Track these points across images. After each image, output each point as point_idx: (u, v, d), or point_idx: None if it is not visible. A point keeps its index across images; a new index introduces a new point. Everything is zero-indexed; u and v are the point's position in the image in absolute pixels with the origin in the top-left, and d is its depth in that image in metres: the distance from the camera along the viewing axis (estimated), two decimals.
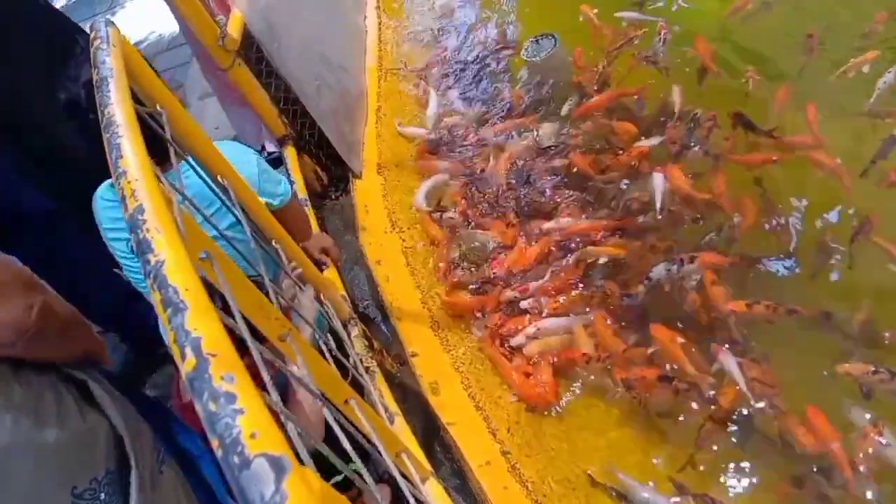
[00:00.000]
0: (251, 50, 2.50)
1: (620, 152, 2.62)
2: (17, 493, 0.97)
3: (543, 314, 2.25)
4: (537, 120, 2.94)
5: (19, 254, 2.18)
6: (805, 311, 1.96)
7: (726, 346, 1.96)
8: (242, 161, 1.69)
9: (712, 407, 1.88)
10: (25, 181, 2.16)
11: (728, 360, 1.89)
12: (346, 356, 1.52)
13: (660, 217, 2.35)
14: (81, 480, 1.06)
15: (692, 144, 2.54)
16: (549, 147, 2.78)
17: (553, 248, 2.43)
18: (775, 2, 2.96)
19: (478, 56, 3.50)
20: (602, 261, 2.33)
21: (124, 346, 2.77)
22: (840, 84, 2.55)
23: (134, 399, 1.30)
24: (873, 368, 1.78)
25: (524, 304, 2.29)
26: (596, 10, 3.32)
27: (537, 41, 3.09)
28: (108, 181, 1.58)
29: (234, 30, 2.32)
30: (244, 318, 0.73)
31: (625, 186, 2.53)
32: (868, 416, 1.78)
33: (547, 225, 2.47)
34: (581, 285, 2.31)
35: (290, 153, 2.67)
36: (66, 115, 1.97)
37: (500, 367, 2.16)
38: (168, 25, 5.22)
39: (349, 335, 1.85)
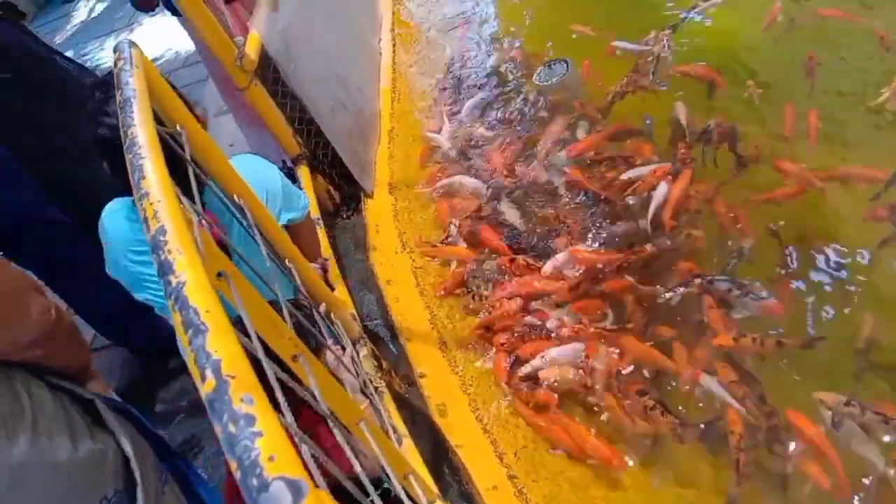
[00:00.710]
0: (268, 70, 2.54)
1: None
2: None
3: (557, 337, 2.25)
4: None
5: (26, 262, 2.23)
6: (792, 342, 1.97)
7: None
8: (266, 175, 1.71)
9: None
10: (37, 191, 2.21)
11: (709, 382, 1.96)
12: (356, 375, 1.53)
13: (648, 229, 2.42)
14: (93, 499, 1.09)
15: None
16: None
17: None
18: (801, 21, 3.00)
19: (490, 79, 3.54)
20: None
21: (134, 359, 2.79)
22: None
23: (134, 421, 1.32)
24: (846, 400, 1.81)
25: (550, 325, 2.29)
26: (589, 28, 3.45)
27: (550, 66, 3.12)
28: (121, 200, 1.60)
29: (251, 50, 2.35)
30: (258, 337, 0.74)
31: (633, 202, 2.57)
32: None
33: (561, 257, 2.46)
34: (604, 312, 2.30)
35: (303, 172, 2.70)
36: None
37: (559, 433, 2.01)
38: (185, 43, 5.30)
39: (358, 354, 1.86)
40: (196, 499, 1.49)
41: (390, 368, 2.09)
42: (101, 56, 6.06)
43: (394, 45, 4.05)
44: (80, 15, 7.43)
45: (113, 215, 1.58)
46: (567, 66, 3.05)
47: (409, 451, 1.57)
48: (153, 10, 2.54)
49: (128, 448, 1.22)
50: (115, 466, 1.18)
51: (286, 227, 1.71)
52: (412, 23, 4.31)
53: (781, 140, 2.60)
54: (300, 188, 2.69)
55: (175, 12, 2.64)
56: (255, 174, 1.67)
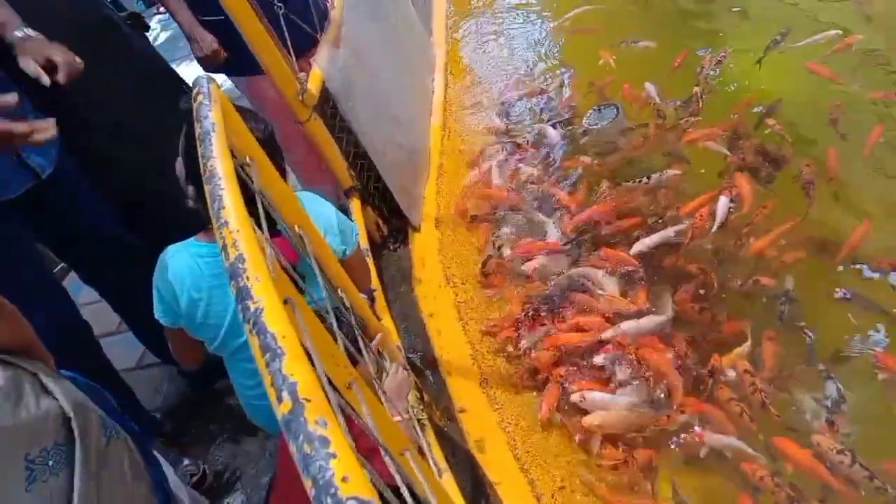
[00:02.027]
0: (326, 105, 2.65)
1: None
2: None
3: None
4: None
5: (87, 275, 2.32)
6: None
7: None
8: (322, 209, 1.78)
9: None
10: (100, 204, 2.31)
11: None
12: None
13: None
14: (33, 449, 1.18)
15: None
16: None
17: None
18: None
19: (538, 119, 3.61)
20: None
21: (180, 378, 2.87)
22: None
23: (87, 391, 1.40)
24: (839, 447, 1.86)
25: (598, 360, 2.28)
26: (614, 57, 3.57)
27: (599, 110, 3.16)
28: (176, 246, 1.67)
29: (313, 86, 2.46)
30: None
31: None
32: None
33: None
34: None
35: (355, 204, 2.78)
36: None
37: None
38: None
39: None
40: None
41: (431, 401, 2.11)
42: None
43: (446, 84, 4.15)
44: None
45: (177, 258, 1.65)
46: (618, 111, 3.10)
47: (449, 485, 1.59)
48: (218, 70, 2.71)
49: (67, 409, 1.29)
50: (55, 425, 1.25)
51: (341, 259, 1.77)
52: (465, 62, 4.43)
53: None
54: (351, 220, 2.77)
55: (237, 73, 2.82)
56: (314, 207, 1.74)
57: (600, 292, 2.48)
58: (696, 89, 3.20)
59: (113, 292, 2.42)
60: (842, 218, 2.49)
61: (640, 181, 2.82)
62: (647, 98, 3.38)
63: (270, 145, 1.54)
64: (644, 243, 2.59)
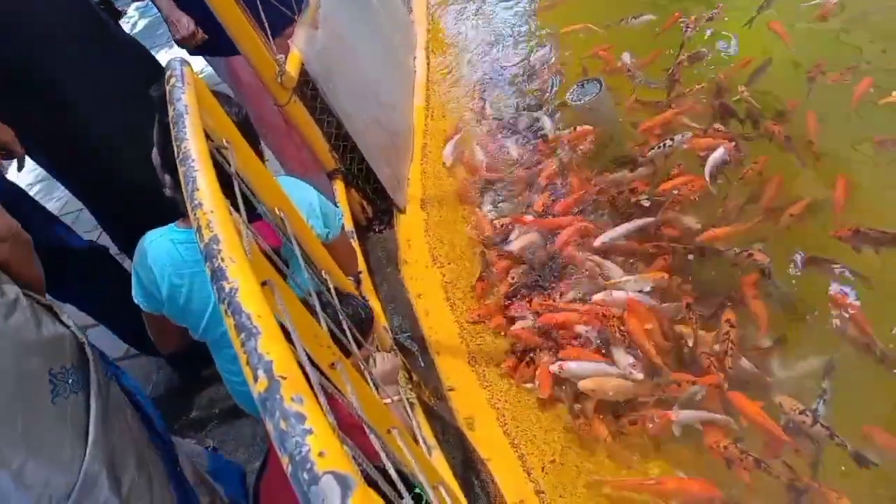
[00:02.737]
0: (306, 87, 2.61)
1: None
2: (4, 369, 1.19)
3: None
4: None
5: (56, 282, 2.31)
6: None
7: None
8: (304, 192, 1.76)
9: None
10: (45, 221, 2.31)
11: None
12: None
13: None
14: (56, 365, 1.30)
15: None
16: None
17: None
18: None
19: (522, 97, 3.59)
20: None
21: (169, 367, 2.86)
22: None
23: None
24: (801, 408, 1.94)
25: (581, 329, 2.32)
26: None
27: (582, 85, 3.14)
28: (155, 231, 1.65)
29: (292, 68, 2.43)
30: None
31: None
32: None
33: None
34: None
35: (338, 186, 2.75)
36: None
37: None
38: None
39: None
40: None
41: (420, 381, 2.12)
42: None
43: (428, 64, 4.11)
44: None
45: (157, 243, 1.62)
46: (600, 85, 3.08)
47: (439, 462, 1.59)
48: (196, 52, 2.67)
49: (79, 334, 1.42)
50: (71, 347, 1.38)
51: (325, 243, 1.76)
52: (447, 41, 4.38)
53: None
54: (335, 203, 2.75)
55: (215, 53, 2.78)
56: (295, 191, 1.73)
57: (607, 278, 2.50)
58: (673, 67, 3.22)
59: (81, 301, 2.40)
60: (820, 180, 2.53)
61: (662, 146, 2.82)
62: (623, 67, 3.43)
63: (245, 129, 1.52)
64: (609, 235, 2.61)
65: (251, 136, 1.56)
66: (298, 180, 1.83)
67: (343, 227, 1.91)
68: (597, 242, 2.60)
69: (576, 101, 3.10)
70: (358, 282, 2.28)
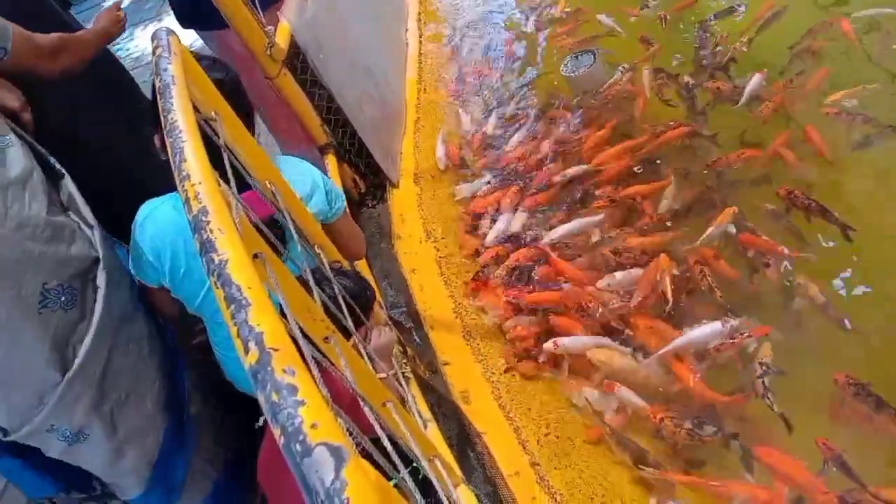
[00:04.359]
0: (296, 60, 2.57)
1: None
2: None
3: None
4: None
5: None
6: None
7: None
8: (308, 169, 1.74)
9: None
10: None
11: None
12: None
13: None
14: (51, 282, 1.43)
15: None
16: None
17: None
18: None
19: (516, 70, 3.55)
20: None
21: None
22: None
23: None
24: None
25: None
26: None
27: (577, 57, 3.11)
28: (155, 199, 1.63)
29: (281, 40, 2.38)
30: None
31: None
32: None
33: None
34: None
35: (330, 161, 2.72)
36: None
37: None
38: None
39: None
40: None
41: (415, 355, 2.12)
42: (131, 46, 6.14)
43: (420, 36, 4.05)
44: (109, 5, 7.54)
45: (159, 210, 1.59)
46: (594, 57, 3.04)
47: (434, 436, 1.60)
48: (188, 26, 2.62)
49: (101, 257, 1.55)
50: (77, 270, 1.50)
51: (326, 225, 1.74)
52: (439, 13, 4.32)
53: None
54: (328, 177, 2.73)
55: (203, 26, 2.72)
56: (299, 168, 1.72)
57: None
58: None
59: None
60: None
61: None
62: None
63: (236, 93, 1.49)
64: (557, 232, 2.59)
65: (243, 102, 1.53)
66: (301, 159, 1.80)
67: (346, 210, 1.88)
68: (545, 240, 2.60)
69: (570, 73, 3.07)
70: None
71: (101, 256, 1.56)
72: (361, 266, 2.35)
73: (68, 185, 1.65)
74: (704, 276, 2.19)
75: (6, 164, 1.46)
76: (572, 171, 2.80)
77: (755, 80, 2.73)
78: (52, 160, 1.65)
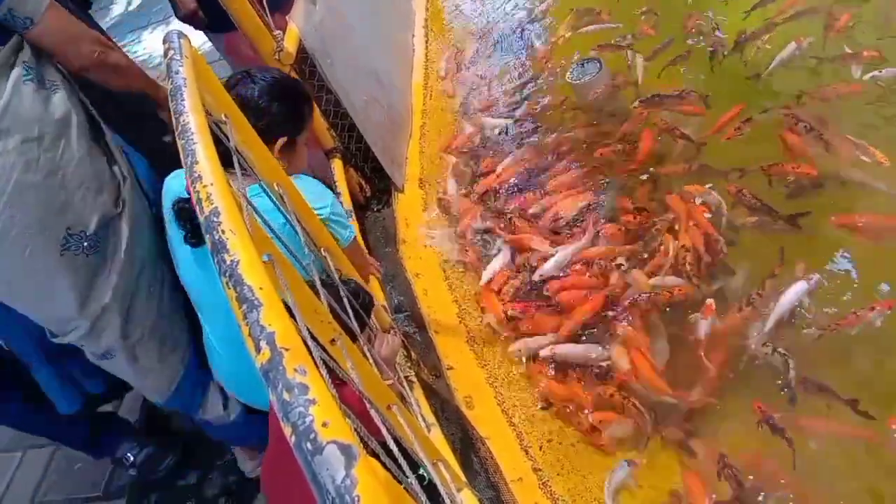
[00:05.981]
0: (304, 64, 2.59)
1: None
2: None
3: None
4: None
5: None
6: None
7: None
8: (323, 191, 1.73)
9: None
10: None
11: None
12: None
13: None
14: (76, 227, 1.57)
15: None
16: None
17: None
18: None
19: (521, 77, 3.55)
20: None
21: None
22: None
23: None
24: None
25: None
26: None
27: (582, 65, 3.11)
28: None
29: (290, 44, 2.40)
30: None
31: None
32: None
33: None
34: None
35: (336, 165, 2.74)
36: None
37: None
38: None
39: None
40: None
41: (419, 359, 2.12)
42: (138, 49, 6.18)
43: (426, 41, 4.07)
44: (118, 7, 7.57)
45: (175, 180, 1.65)
46: (600, 65, 3.05)
47: (438, 440, 1.60)
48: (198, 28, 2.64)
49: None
50: (100, 224, 1.62)
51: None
52: (445, 18, 4.33)
53: None
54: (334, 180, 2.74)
55: (211, 28, 2.74)
56: (314, 189, 1.71)
57: None
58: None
59: None
60: None
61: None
62: None
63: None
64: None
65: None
66: (318, 182, 1.79)
67: (355, 239, 1.87)
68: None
69: (575, 81, 3.08)
70: None
71: (126, 204, 1.70)
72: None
73: (106, 133, 1.76)
74: None
75: (50, 108, 1.55)
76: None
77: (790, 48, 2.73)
78: (93, 110, 1.74)
